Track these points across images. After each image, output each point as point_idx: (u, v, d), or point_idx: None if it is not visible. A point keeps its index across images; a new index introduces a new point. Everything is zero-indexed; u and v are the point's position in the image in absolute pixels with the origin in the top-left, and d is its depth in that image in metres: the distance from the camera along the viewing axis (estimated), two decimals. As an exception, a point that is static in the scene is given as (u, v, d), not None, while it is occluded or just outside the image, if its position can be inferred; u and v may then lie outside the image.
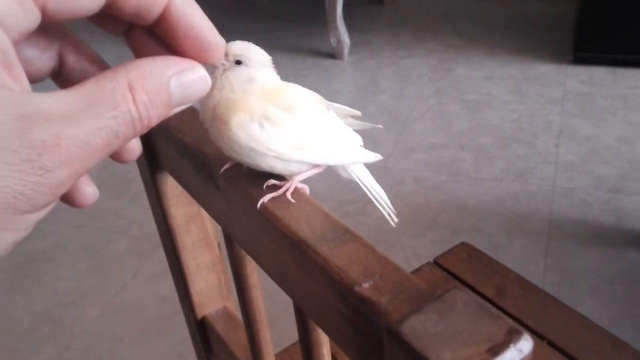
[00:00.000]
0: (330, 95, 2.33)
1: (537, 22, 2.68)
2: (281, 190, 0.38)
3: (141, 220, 1.78)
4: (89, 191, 0.28)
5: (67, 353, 1.42)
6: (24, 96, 0.22)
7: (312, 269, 0.35)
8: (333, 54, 2.58)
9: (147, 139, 0.55)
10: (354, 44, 2.61)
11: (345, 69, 2.53)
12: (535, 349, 0.77)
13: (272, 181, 0.39)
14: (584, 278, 1.45)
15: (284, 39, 2.76)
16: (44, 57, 0.28)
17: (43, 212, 0.24)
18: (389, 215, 0.43)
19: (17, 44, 0.25)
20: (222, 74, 0.36)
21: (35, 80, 0.28)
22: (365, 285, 0.32)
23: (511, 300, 0.87)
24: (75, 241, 1.76)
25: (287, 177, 0.40)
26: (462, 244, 0.98)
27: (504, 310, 0.86)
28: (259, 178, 0.40)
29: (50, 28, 0.28)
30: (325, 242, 0.35)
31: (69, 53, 0.29)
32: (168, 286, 1.55)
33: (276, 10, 3.06)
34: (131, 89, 0.24)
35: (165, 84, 0.25)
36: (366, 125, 0.43)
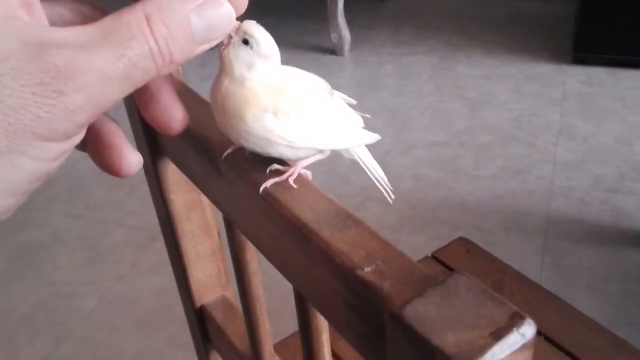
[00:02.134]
0: (330, 91, 2.33)
1: (537, 21, 2.68)
2: (284, 176, 0.38)
3: (139, 211, 1.78)
4: (132, 158, 0.28)
5: (63, 343, 1.42)
6: (39, 26, 0.23)
7: (314, 253, 0.35)
8: (334, 50, 2.58)
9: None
10: (354, 41, 2.61)
11: (346, 65, 2.53)
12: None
13: (276, 166, 0.39)
14: (580, 276, 1.46)
15: (286, 35, 2.75)
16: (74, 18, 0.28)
17: (65, 144, 0.23)
18: (387, 193, 0.45)
19: None
20: (226, 48, 0.35)
21: None
22: (368, 269, 0.32)
23: (508, 296, 0.87)
24: (72, 232, 1.75)
25: (290, 163, 0.40)
26: (461, 239, 0.99)
27: (501, 305, 0.86)
28: (261, 163, 0.40)
29: (81, 6, 0.28)
30: (328, 227, 0.35)
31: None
32: (165, 278, 1.55)
33: (278, 6, 3.06)
34: (148, 20, 0.23)
35: (186, 17, 0.24)
36: (358, 113, 0.43)
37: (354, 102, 0.44)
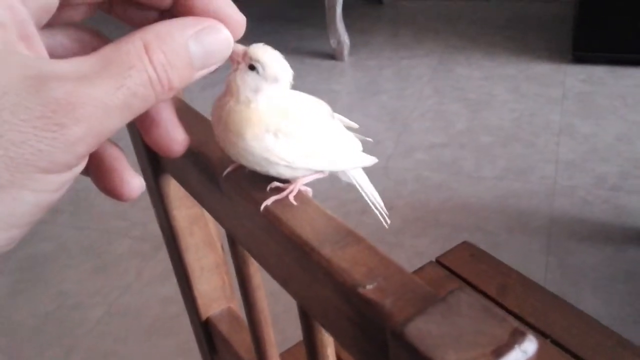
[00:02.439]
0: (331, 96, 2.34)
1: (536, 21, 2.68)
2: (284, 193, 0.39)
3: (143, 221, 1.78)
4: (134, 182, 0.28)
5: (71, 354, 1.43)
6: (38, 60, 0.23)
7: (315, 271, 0.35)
8: (333, 55, 2.59)
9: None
10: (353, 45, 2.61)
11: (346, 69, 2.54)
12: (538, 348, 0.77)
13: (276, 184, 0.40)
14: (585, 276, 1.46)
15: (284, 40, 2.76)
16: (73, 49, 0.28)
17: (67, 175, 0.23)
18: (383, 217, 0.46)
19: (39, 25, 0.25)
20: (233, 73, 0.35)
21: None
22: (369, 287, 0.32)
23: (513, 299, 0.87)
24: (78, 243, 1.76)
25: (291, 180, 0.40)
26: (464, 243, 0.99)
27: (506, 309, 0.86)
28: (262, 180, 0.40)
29: (80, 29, 0.29)
30: (329, 244, 0.35)
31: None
32: (171, 287, 1.56)
33: (276, 11, 3.07)
34: (147, 49, 0.24)
35: (184, 44, 0.25)
36: (359, 137, 0.44)
37: (355, 125, 0.44)
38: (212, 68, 0.27)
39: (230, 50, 0.27)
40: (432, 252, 1.52)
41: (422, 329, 0.28)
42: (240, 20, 0.28)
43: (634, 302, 1.38)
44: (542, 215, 1.65)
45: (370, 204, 0.45)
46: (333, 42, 2.55)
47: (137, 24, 0.29)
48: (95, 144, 0.24)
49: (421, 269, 0.94)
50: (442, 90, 2.29)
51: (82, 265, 1.69)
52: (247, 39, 0.33)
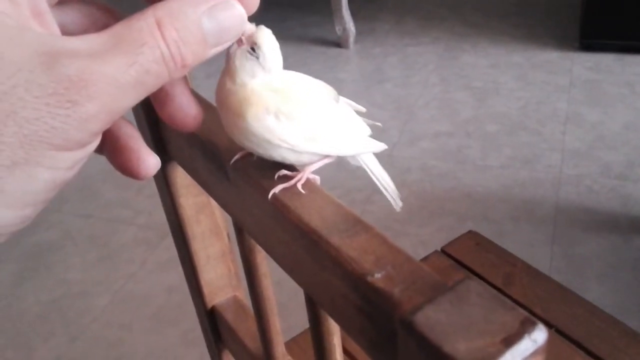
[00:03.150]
0: (336, 84, 2.33)
1: (543, 9, 2.66)
2: (292, 181, 0.38)
3: (148, 210, 1.79)
4: (150, 160, 0.28)
5: (77, 342, 1.44)
6: (50, 36, 0.23)
7: (324, 259, 0.35)
8: (339, 43, 2.57)
9: (156, 128, 0.55)
10: (359, 33, 2.60)
11: (351, 57, 2.52)
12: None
13: (284, 171, 0.39)
14: (590, 265, 1.46)
15: (290, 28, 2.75)
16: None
17: (80, 153, 0.23)
18: (394, 201, 0.45)
19: (50, 3, 0.25)
20: (233, 51, 0.35)
21: None
22: (378, 275, 0.32)
23: (519, 289, 0.87)
24: (83, 231, 1.77)
25: (299, 168, 0.40)
26: (470, 232, 0.98)
27: (511, 298, 0.86)
28: (269, 168, 0.40)
29: (93, 4, 0.28)
30: (337, 233, 0.35)
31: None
32: (176, 275, 1.57)
33: (281, -2, 3.05)
34: (159, 25, 0.23)
35: (197, 21, 0.24)
36: (368, 121, 0.43)
37: (363, 109, 0.44)
38: (227, 45, 0.26)
39: (245, 27, 0.27)
40: (437, 241, 1.52)
41: (431, 318, 0.28)
42: None
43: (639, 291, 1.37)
44: (548, 204, 1.64)
45: (382, 188, 0.45)
46: (339, 30, 2.53)
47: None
48: (108, 122, 0.24)
49: (426, 258, 0.94)
50: (447, 78, 2.28)
51: (87, 253, 1.69)
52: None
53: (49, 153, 0.22)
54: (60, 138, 0.22)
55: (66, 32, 0.27)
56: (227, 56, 0.36)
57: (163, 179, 0.58)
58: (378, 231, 0.35)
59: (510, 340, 0.26)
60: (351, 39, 2.55)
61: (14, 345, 1.45)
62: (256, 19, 0.30)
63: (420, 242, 1.56)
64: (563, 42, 2.38)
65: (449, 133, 1.98)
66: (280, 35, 0.35)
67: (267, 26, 0.34)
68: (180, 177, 0.57)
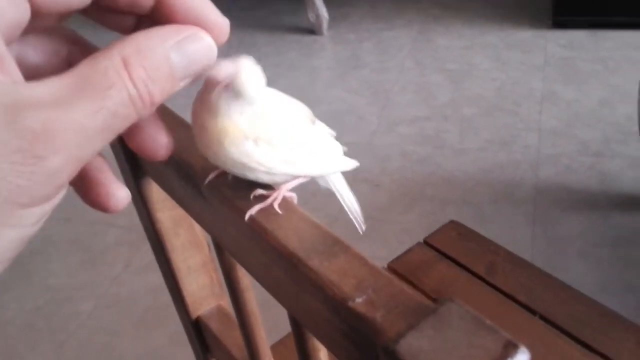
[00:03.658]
0: (311, 72, 2.32)
1: (515, -14, 2.66)
2: (268, 201, 0.38)
3: (128, 210, 1.75)
4: (120, 194, 0.27)
5: (64, 349, 1.42)
6: (11, 86, 0.22)
7: (304, 282, 0.34)
8: (312, 30, 2.55)
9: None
10: (332, 18, 2.58)
11: (325, 44, 2.51)
12: (527, 325, 0.77)
13: (260, 191, 0.39)
14: (571, 244, 1.47)
15: (262, 17, 2.71)
16: (52, 63, 0.27)
17: (47, 206, 0.22)
18: (358, 223, 0.45)
19: (11, 41, 0.24)
20: (215, 95, 0.33)
21: None
22: (359, 300, 0.31)
23: (502, 277, 0.88)
24: (64, 235, 1.74)
25: (274, 186, 0.39)
26: (452, 222, 0.99)
27: (495, 287, 0.86)
28: (245, 188, 0.39)
29: (56, 33, 0.27)
30: (316, 255, 0.34)
31: (80, 59, 0.27)
32: (160, 276, 1.55)
33: (251, -14, 3.01)
34: (126, 64, 0.22)
35: (165, 55, 0.23)
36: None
37: (333, 133, 0.43)
38: (195, 77, 0.26)
39: (214, 57, 0.26)
40: (420, 227, 1.53)
41: (413, 345, 0.28)
42: (223, 24, 0.26)
43: (621, 268, 1.40)
44: (527, 185, 1.66)
45: (347, 209, 0.45)
46: (311, 17, 2.51)
47: (114, 28, 0.28)
48: (75, 171, 0.23)
49: (410, 250, 0.94)
50: (422, 61, 2.28)
51: (69, 258, 1.67)
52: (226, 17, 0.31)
53: (14, 212, 0.21)
54: (25, 196, 0.21)
55: (28, 65, 0.26)
56: (204, 84, 0.34)
57: (138, 195, 0.57)
58: (357, 251, 0.34)
59: (493, 365, 0.26)
60: (324, 26, 2.53)
61: (1, 355, 1.44)
62: (227, 8, 0.28)
63: (403, 230, 1.56)
64: (536, 20, 2.39)
65: (426, 117, 1.98)
66: (252, 25, 0.33)
67: (238, 15, 0.32)
68: (156, 192, 0.56)
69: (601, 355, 0.76)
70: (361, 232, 0.45)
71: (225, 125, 0.35)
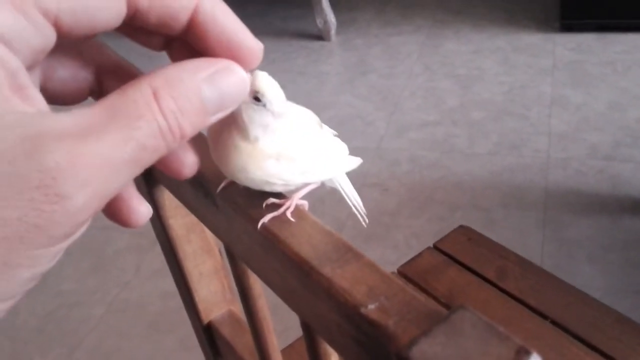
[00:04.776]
0: (319, 78, 2.33)
1: (523, -10, 2.66)
2: (281, 210, 0.38)
3: (139, 216, 1.78)
4: (142, 210, 0.26)
5: (74, 353, 1.43)
6: (35, 116, 0.20)
7: (316, 290, 0.35)
8: (320, 35, 2.56)
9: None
10: (340, 24, 2.59)
11: (333, 49, 2.52)
12: (539, 330, 0.77)
13: (272, 200, 0.39)
14: (581, 247, 1.47)
15: (270, 22, 2.73)
16: (79, 78, 0.27)
17: (64, 244, 0.21)
18: (362, 218, 0.47)
19: (36, 63, 0.23)
20: (240, 108, 0.33)
21: (73, 101, 0.27)
22: (371, 307, 0.32)
23: (513, 282, 0.88)
24: (75, 241, 1.74)
25: (286, 194, 0.40)
26: (461, 227, 0.99)
27: (506, 292, 0.86)
28: (257, 196, 0.39)
29: (83, 47, 0.27)
30: (329, 263, 0.35)
31: (108, 73, 0.27)
32: (170, 281, 1.55)
33: (260, -8, 3.02)
34: (156, 96, 0.22)
35: (196, 89, 0.23)
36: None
37: (335, 133, 0.44)
38: (228, 111, 0.25)
39: (247, 91, 0.26)
40: (429, 232, 1.53)
41: (426, 352, 0.28)
42: (256, 48, 0.26)
43: (632, 272, 1.39)
44: (537, 189, 1.65)
45: (352, 206, 0.46)
46: (319, 22, 2.52)
47: (144, 45, 0.27)
48: (98, 208, 0.22)
49: (419, 255, 0.94)
50: (431, 66, 2.28)
51: (80, 263, 1.69)
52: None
53: (30, 253, 0.20)
54: (44, 236, 0.20)
55: (54, 80, 0.26)
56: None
57: (151, 202, 0.57)
58: (369, 259, 0.35)
59: (506, 372, 0.27)
60: (332, 31, 2.54)
61: (12, 359, 1.45)
62: (236, 15, 0.28)
63: (413, 234, 1.56)
64: (544, 23, 2.38)
65: (435, 122, 1.98)
66: (260, 31, 0.34)
67: (246, 21, 0.31)
68: (169, 200, 0.57)
69: (613, 360, 0.76)
70: (365, 225, 0.48)
71: (248, 150, 0.35)
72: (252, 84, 0.32)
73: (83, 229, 0.22)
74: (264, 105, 0.33)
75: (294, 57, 2.44)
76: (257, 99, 0.33)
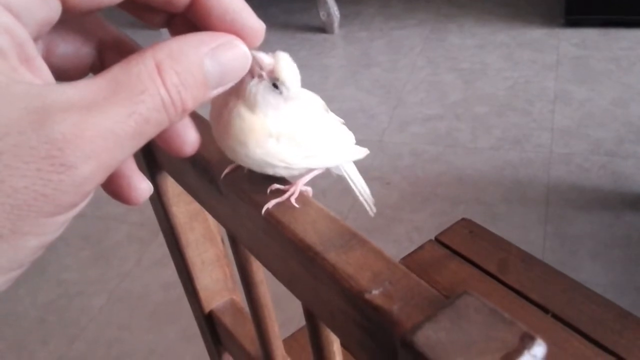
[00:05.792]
0: (323, 70, 2.32)
1: (528, -15, 2.65)
2: (285, 195, 0.38)
3: (140, 207, 1.77)
4: (143, 187, 0.27)
5: (75, 343, 1.44)
6: (42, 88, 0.21)
7: (320, 275, 0.35)
8: (323, 28, 2.55)
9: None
10: (344, 17, 2.58)
11: (337, 42, 2.51)
12: (540, 323, 0.77)
13: (276, 186, 0.39)
14: (583, 243, 1.47)
15: (273, 15, 2.72)
16: (81, 53, 0.27)
17: (71, 213, 0.22)
18: (369, 207, 0.47)
19: (41, 36, 0.24)
20: (254, 86, 0.33)
21: (74, 76, 0.27)
22: (376, 292, 0.32)
23: (514, 275, 0.88)
24: (76, 231, 1.76)
25: (290, 179, 0.40)
26: (463, 220, 0.99)
27: (507, 285, 0.86)
28: (261, 182, 0.39)
29: (86, 22, 0.27)
30: (333, 248, 0.35)
31: (110, 48, 0.27)
32: (171, 271, 1.55)
33: (263, -15, 3.01)
34: (159, 70, 0.22)
35: (198, 63, 0.23)
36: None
37: (342, 121, 0.44)
38: (229, 86, 0.25)
39: (249, 66, 0.26)
40: (431, 226, 1.53)
41: (431, 337, 0.28)
42: (259, 27, 0.26)
43: (633, 267, 1.39)
44: (539, 184, 1.65)
45: (359, 195, 0.46)
46: (323, 15, 2.51)
47: (146, 22, 0.28)
48: (104, 178, 0.22)
49: (421, 247, 0.94)
50: (435, 60, 2.27)
51: (81, 253, 1.69)
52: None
53: (38, 221, 0.21)
54: (51, 205, 0.20)
55: (56, 55, 0.26)
56: (240, 85, 0.33)
57: (154, 189, 0.57)
58: (374, 245, 0.35)
59: (510, 357, 0.27)
60: (336, 24, 2.53)
61: (12, 349, 1.45)
62: None
63: (415, 228, 1.56)
64: (548, 19, 2.37)
65: (438, 116, 1.97)
66: (267, 26, 0.34)
67: None
68: (172, 186, 0.57)
69: (615, 355, 0.76)
70: (372, 215, 0.47)
71: (252, 121, 0.35)
72: (275, 70, 0.33)
73: (88, 199, 0.23)
74: (280, 93, 0.34)
75: (297, 50, 2.43)
76: (275, 85, 0.33)
